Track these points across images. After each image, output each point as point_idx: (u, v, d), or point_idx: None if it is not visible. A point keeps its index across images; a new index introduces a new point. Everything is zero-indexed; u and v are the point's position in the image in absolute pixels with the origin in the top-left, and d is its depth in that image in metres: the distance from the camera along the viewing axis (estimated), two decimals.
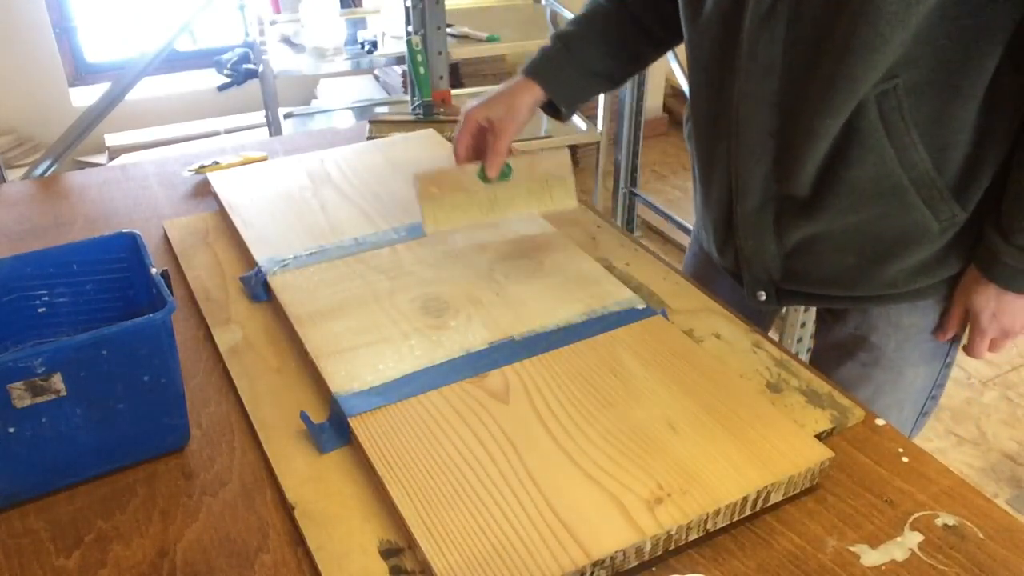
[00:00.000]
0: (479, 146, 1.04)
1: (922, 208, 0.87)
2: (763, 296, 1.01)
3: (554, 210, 1.06)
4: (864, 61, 0.79)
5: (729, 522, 0.71)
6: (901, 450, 0.80)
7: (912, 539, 0.71)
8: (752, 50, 0.85)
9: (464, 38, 2.78)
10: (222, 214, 1.17)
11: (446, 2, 1.73)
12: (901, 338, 0.98)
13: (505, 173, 1.03)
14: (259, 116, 3.08)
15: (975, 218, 0.88)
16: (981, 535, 0.71)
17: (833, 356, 1.05)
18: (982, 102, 0.81)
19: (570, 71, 1.06)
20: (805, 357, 1.95)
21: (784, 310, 1.96)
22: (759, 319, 1.09)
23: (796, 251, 0.95)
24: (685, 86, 2.71)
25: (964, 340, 0.98)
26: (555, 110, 1.08)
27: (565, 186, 1.06)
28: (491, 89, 1.07)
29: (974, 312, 0.92)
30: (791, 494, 0.74)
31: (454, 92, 1.77)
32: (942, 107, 0.81)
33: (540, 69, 1.05)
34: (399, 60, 2.72)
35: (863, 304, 0.98)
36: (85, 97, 3.14)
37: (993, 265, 0.87)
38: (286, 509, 0.73)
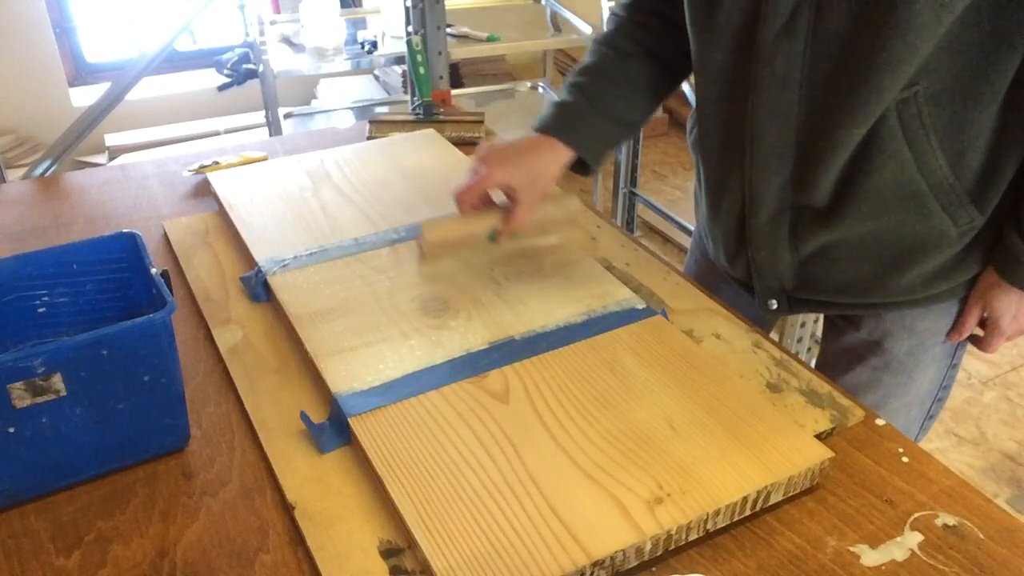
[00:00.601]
0: (486, 198, 0.98)
1: (940, 214, 0.86)
2: (774, 305, 1.00)
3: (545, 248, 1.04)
4: (892, 73, 0.78)
5: (729, 522, 0.71)
6: (901, 450, 0.80)
7: (912, 539, 0.71)
8: (769, 63, 0.83)
9: (464, 38, 2.78)
10: (222, 214, 1.17)
11: (446, 2, 1.73)
12: (914, 342, 0.98)
13: (513, 236, 0.99)
14: (259, 116, 3.09)
15: (992, 221, 0.88)
16: (981, 535, 0.71)
17: (842, 360, 1.04)
18: (1001, 107, 0.81)
19: (597, 124, 0.99)
20: (805, 357, 1.95)
21: None
22: (762, 325, 1.09)
23: (811, 260, 0.94)
24: (686, 88, 2.70)
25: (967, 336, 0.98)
26: (581, 167, 1.01)
27: (562, 231, 1.04)
28: (509, 140, 0.98)
29: (995, 316, 0.92)
30: (791, 494, 0.74)
31: (454, 92, 1.77)
32: (961, 113, 0.81)
33: (564, 127, 0.97)
34: (399, 60, 2.72)
35: (878, 310, 0.97)
36: (85, 97, 3.14)
37: (1015, 269, 0.87)
38: (286, 509, 0.73)
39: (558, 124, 0.98)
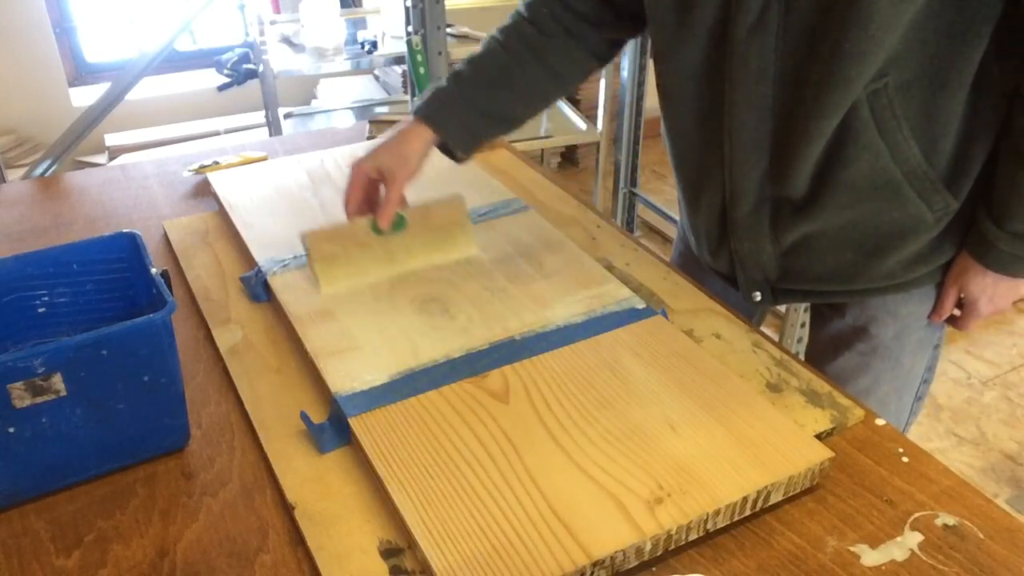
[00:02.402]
0: (372, 199, 0.99)
1: (916, 201, 0.88)
2: (758, 296, 1.01)
3: (456, 258, 1.03)
4: (857, 63, 0.79)
5: (729, 522, 0.71)
6: (901, 450, 0.80)
7: (912, 539, 0.71)
8: (743, 58, 0.85)
9: (464, 38, 2.78)
10: (222, 214, 1.17)
11: (446, 2, 1.73)
12: (899, 327, 0.99)
13: (398, 224, 0.99)
14: (259, 116, 3.08)
15: (967, 205, 0.90)
16: (981, 535, 0.71)
17: (830, 348, 1.05)
18: (969, 93, 0.83)
19: (463, 114, 1.00)
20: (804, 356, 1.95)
21: (783, 308, 1.95)
22: (750, 314, 1.10)
23: (793, 250, 0.95)
24: None
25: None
26: (450, 151, 1.03)
27: (465, 232, 1.04)
28: (379, 139, 1.00)
29: (972, 298, 0.94)
30: (791, 494, 0.74)
31: None
32: (931, 101, 0.83)
33: (431, 111, 1.00)
34: (399, 60, 2.72)
35: (861, 296, 0.98)
36: (85, 97, 3.14)
37: (988, 252, 0.89)
38: (286, 509, 0.73)
39: (428, 111, 1.00)
